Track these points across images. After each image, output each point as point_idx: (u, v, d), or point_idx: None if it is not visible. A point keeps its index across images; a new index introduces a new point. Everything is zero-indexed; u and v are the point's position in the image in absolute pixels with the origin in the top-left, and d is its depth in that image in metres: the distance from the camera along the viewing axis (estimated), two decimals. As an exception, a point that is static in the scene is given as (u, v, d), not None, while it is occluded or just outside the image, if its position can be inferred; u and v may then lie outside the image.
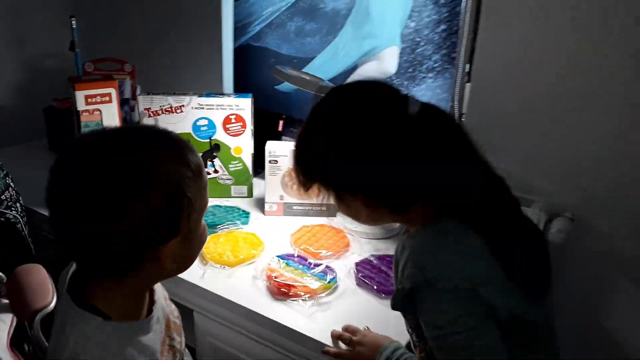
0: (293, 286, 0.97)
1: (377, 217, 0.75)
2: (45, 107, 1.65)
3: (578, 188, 1.21)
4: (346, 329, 0.89)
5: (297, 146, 0.75)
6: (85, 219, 0.58)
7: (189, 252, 0.68)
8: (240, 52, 1.79)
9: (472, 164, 0.72)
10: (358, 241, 1.19)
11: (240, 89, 1.82)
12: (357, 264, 1.09)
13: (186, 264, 0.70)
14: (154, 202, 0.58)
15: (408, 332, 0.81)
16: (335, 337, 0.89)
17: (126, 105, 1.74)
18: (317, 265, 1.06)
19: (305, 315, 0.93)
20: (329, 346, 0.88)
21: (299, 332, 0.90)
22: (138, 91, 1.82)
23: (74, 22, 1.67)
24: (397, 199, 0.71)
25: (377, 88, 0.75)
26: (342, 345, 0.88)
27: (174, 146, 0.64)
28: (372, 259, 1.11)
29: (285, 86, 1.74)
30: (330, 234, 1.20)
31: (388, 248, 1.16)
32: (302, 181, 0.75)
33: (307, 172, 0.74)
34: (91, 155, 0.59)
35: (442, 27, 1.42)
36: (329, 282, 1.01)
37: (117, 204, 0.57)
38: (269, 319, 0.93)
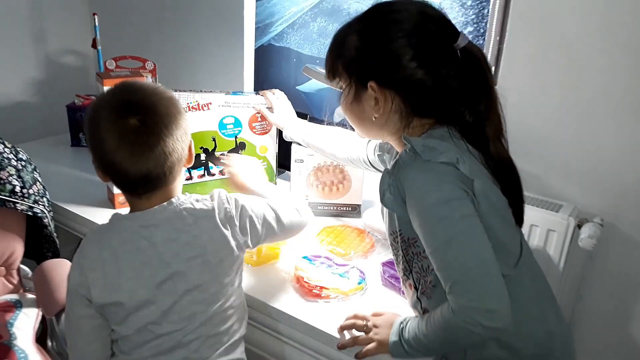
0: (324, 287, 0.97)
1: (381, 122, 0.81)
2: (68, 103, 1.65)
3: (607, 193, 1.20)
4: (355, 316, 0.89)
5: (340, 35, 0.81)
6: None
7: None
8: (262, 52, 1.79)
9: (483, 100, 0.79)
10: (382, 242, 1.18)
11: (261, 89, 1.82)
12: (383, 264, 1.08)
13: None
14: None
15: (398, 272, 0.88)
16: (348, 327, 0.88)
17: (147, 102, 1.73)
18: (343, 265, 1.06)
19: (337, 317, 0.92)
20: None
21: (333, 336, 0.89)
22: (159, 89, 1.82)
23: (96, 19, 1.68)
24: (419, 100, 0.78)
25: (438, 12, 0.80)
26: (356, 333, 0.88)
27: None
28: (399, 260, 1.10)
29: (307, 87, 1.73)
30: (354, 235, 1.19)
31: (415, 250, 1.15)
32: (331, 68, 0.83)
33: (340, 58, 0.81)
34: None
35: (469, 29, 1.42)
36: (359, 283, 1.00)
37: None
38: (302, 321, 0.92)
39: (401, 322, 0.83)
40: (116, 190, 1.26)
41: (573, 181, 1.25)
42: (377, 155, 1.06)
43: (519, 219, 0.83)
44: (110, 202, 1.27)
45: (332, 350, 0.90)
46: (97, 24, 1.70)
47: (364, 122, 0.83)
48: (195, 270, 0.84)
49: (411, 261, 0.82)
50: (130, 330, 0.84)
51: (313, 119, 1.54)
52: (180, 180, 0.87)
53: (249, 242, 0.89)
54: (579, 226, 1.22)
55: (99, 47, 1.73)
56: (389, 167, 0.97)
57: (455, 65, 0.76)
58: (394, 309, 0.96)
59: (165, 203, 0.84)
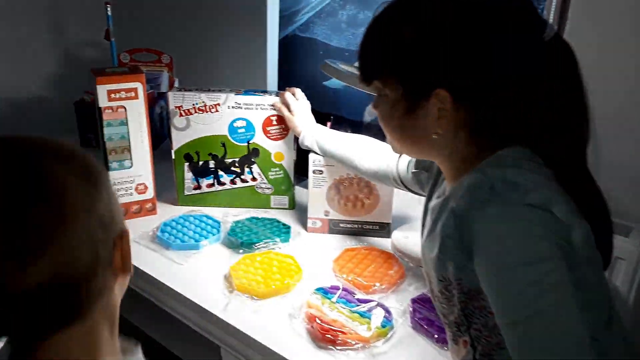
0: (341, 332, 0.80)
1: (440, 141, 0.63)
2: (76, 100, 1.54)
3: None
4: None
5: (388, 25, 0.61)
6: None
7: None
8: (286, 44, 1.63)
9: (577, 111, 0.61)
10: (413, 270, 1.00)
11: (284, 84, 1.67)
12: (413, 301, 0.90)
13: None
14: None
15: (445, 323, 0.69)
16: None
17: (162, 99, 1.61)
18: (365, 301, 0.89)
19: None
20: None
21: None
22: (176, 84, 1.69)
23: (109, 9, 1.56)
24: (503, 115, 0.60)
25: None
26: None
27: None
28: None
29: (335, 82, 1.56)
30: (380, 261, 1.01)
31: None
32: (371, 70, 0.64)
33: (388, 57, 0.61)
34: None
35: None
36: (383, 326, 0.83)
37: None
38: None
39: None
40: (127, 198, 1.12)
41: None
42: (413, 172, 0.88)
43: (605, 263, 0.64)
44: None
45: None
46: (109, 14, 1.58)
47: (415, 139, 0.65)
48: None
49: (471, 316, 0.63)
50: None
51: (341, 119, 1.37)
52: (113, 301, 0.52)
53: None
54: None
55: (113, 39, 1.61)
56: (425, 189, 0.80)
57: (545, 65, 0.58)
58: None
59: None
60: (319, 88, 1.61)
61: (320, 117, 1.29)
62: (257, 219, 1.15)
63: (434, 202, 0.71)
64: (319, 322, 0.82)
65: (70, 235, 0.44)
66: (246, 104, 1.14)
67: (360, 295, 0.91)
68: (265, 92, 1.17)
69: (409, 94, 0.61)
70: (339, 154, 1.03)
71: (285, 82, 1.67)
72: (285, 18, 1.61)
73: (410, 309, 0.88)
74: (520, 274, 0.52)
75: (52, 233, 0.43)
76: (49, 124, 1.74)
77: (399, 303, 0.91)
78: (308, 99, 1.17)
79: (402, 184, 0.93)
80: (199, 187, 1.20)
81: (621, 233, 1.04)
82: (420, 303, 0.90)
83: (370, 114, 1.54)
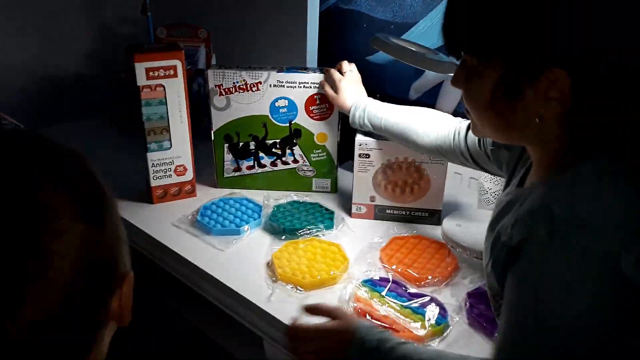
0: (393, 329, 0.75)
1: (540, 128, 0.54)
2: (111, 79, 1.51)
3: None
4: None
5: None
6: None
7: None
8: (327, 16, 1.55)
9: None
10: (468, 261, 0.94)
11: (325, 59, 1.60)
12: (469, 295, 0.84)
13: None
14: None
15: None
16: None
17: (200, 77, 1.56)
18: (418, 296, 0.83)
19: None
20: None
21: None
22: (213, 60, 1.64)
23: (145, -18, 1.51)
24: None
25: None
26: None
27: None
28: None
29: (380, 57, 1.48)
30: (431, 251, 0.95)
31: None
32: (465, 42, 0.55)
33: (489, 27, 0.52)
34: None
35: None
36: (438, 323, 0.77)
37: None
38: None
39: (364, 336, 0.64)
40: (154, 182, 1.09)
41: None
42: (491, 150, 0.79)
43: None
44: (148, 197, 1.11)
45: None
46: (146, -13, 1.53)
47: (510, 125, 0.56)
48: None
49: None
50: None
51: (385, 98, 1.30)
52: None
53: None
54: None
55: (149, 14, 1.57)
56: (504, 169, 0.72)
57: None
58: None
59: None
60: (362, 63, 1.51)
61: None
62: (298, 203, 1.10)
63: (508, 193, 0.64)
64: (369, 318, 0.77)
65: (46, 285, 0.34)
66: (289, 82, 1.07)
67: (411, 288, 0.86)
68: (308, 69, 1.10)
69: (514, 73, 0.52)
70: (395, 129, 0.94)
71: (326, 57, 1.60)
72: (327, -11, 1.52)
73: (467, 304, 0.82)
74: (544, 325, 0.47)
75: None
76: (86, 102, 1.73)
77: (454, 298, 0.85)
78: None
79: (472, 160, 0.85)
80: (238, 169, 1.16)
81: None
82: (477, 298, 0.83)
83: (416, 91, 1.46)
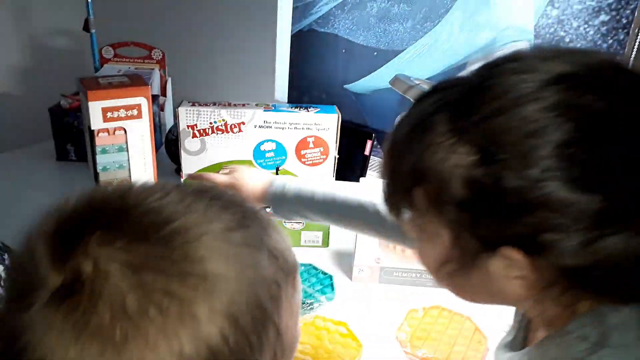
0: None
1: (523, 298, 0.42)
2: (51, 105, 1.27)
3: None
4: None
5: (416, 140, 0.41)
6: None
7: None
8: (301, 39, 1.40)
9: None
10: (498, 336, 0.81)
11: (297, 86, 1.45)
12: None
13: None
14: None
15: None
16: None
17: (154, 104, 1.36)
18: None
19: None
20: None
21: None
22: (169, 84, 1.44)
23: (89, -6, 1.30)
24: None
25: None
26: None
27: None
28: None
29: (360, 85, 1.36)
30: (455, 325, 0.81)
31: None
32: (399, 199, 0.45)
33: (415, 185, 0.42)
34: None
35: (603, 17, 1.01)
36: None
37: None
38: None
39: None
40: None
41: None
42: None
43: None
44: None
45: None
46: (90, 1, 1.32)
47: (484, 293, 0.44)
48: None
49: None
50: None
51: (375, 131, 1.16)
52: None
53: None
54: None
55: (93, 31, 1.36)
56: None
57: None
58: None
59: None
60: (338, 92, 1.39)
61: (358, 135, 1.08)
62: (288, 263, 0.93)
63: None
64: None
65: None
66: (277, 123, 0.91)
67: (441, 380, 0.71)
68: (301, 106, 0.94)
69: (468, 244, 0.41)
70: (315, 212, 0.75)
71: (298, 83, 1.45)
72: (301, 8, 1.37)
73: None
74: None
75: None
76: (22, 129, 1.47)
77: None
78: (327, 104, 0.94)
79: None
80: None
81: None
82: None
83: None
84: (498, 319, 0.83)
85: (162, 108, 1.41)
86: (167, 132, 1.27)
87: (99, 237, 0.28)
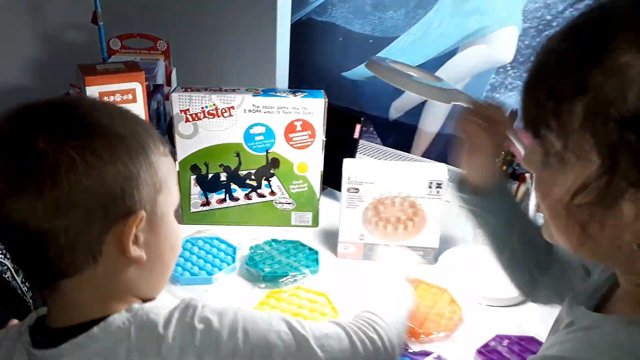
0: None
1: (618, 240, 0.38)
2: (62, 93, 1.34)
3: None
4: None
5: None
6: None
7: (157, 248, 0.50)
8: (299, 28, 1.45)
9: None
10: (472, 309, 0.84)
11: (297, 75, 1.49)
12: (480, 353, 0.74)
13: (155, 267, 0.50)
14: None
15: None
16: None
17: (159, 92, 1.42)
18: (421, 355, 0.73)
19: None
20: None
21: None
22: (173, 74, 1.50)
23: (97, -12, 1.36)
24: None
25: None
26: None
27: None
28: (498, 345, 0.76)
29: (357, 73, 1.39)
30: (433, 297, 0.85)
31: (520, 326, 0.80)
32: (546, 118, 0.39)
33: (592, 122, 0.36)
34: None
35: (587, 0, 1.03)
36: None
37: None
38: None
39: None
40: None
41: None
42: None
43: None
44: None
45: None
46: (97, -6, 1.38)
47: (591, 238, 0.40)
48: None
49: None
50: None
51: (364, 115, 1.19)
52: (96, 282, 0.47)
53: None
54: None
55: (101, 23, 1.42)
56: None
57: None
58: None
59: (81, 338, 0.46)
60: (336, 80, 1.43)
61: (348, 118, 1.12)
62: (277, 242, 0.98)
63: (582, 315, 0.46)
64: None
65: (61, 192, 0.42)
66: (265, 107, 0.95)
67: (414, 346, 0.75)
68: (287, 91, 0.98)
69: (619, 178, 0.36)
70: None
71: (298, 71, 1.49)
72: (299, -1, 1.42)
73: (478, 363, 0.72)
74: None
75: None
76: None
77: (460, 354, 0.75)
78: (325, 91, 0.99)
79: None
80: (207, 203, 1.03)
81: None
82: (487, 355, 0.74)
83: (397, 110, 1.37)
84: (474, 292, 0.87)
85: (167, 97, 1.47)
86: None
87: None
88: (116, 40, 1.47)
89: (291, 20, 1.46)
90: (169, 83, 1.50)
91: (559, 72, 0.38)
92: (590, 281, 0.52)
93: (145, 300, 0.50)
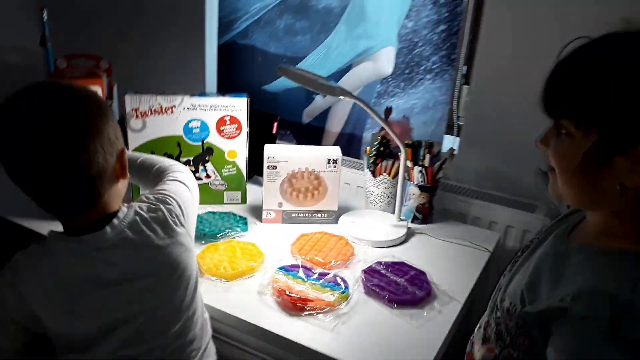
0: (309, 300, 0.91)
1: (620, 199, 0.59)
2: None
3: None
4: None
5: (591, 66, 0.57)
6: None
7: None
8: (225, 50, 1.72)
9: None
10: (362, 249, 1.14)
11: (224, 89, 1.75)
12: (364, 272, 1.04)
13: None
14: None
15: (486, 322, 0.73)
16: None
17: (103, 104, 1.62)
18: (323, 275, 1.01)
19: (328, 330, 0.87)
20: None
21: (322, 354, 0.84)
22: (115, 90, 1.71)
23: (45, 13, 1.55)
24: None
25: None
26: None
27: None
28: (379, 267, 1.06)
29: (274, 86, 1.68)
30: (332, 242, 1.14)
31: (393, 255, 1.11)
32: (563, 106, 0.60)
33: (588, 101, 0.57)
34: None
35: (442, 27, 1.40)
36: (342, 292, 0.95)
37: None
38: (290, 340, 0.86)
39: None
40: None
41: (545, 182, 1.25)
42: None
43: None
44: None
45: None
46: (45, 18, 1.57)
47: (588, 187, 0.61)
48: (163, 280, 0.79)
49: (514, 345, 0.68)
50: (99, 356, 0.77)
51: (281, 122, 1.48)
52: (116, 191, 0.79)
53: (192, 233, 0.88)
54: (555, 226, 1.22)
55: (49, 44, 1.60)
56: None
57: None
58: (381, 320, 0.92)
59: (115, 221, 0.77)
60: (257, 91, 1.71)
61: (264, 118, 1.40)
62: (214, 213, 1.23)
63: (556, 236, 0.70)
64: (288, 293, 0.93)
65: (90, 146, 0.70)
66: (201, 105, 1.22)
67: (318, 270, 1.03)
68: (219, 94, 1.25)
69: (606, 144, 0.56)
70: None
71: (224, 86, 1.75)
72: (225, 25, 1.69)
73: (363, 278, 1.01)
74: None
75: (81, 141, 0.70)
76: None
77: (352, 275, 1.04)
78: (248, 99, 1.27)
79: None
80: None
81: (528, 210, 1.25)
82: (369, 273, 1.03)
83: (308, 116, 1.67)
84: (363, 238, 1.17)
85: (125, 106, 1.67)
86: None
87: None
88: (62, 60, 1.66)
89: (218, 43, 1.73)
90: (110, 97, 1.70)
91: (576, 82, 0.58)
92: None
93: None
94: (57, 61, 1.64)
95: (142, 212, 0.80)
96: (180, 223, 0.84)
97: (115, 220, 0.77)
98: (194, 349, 0.85)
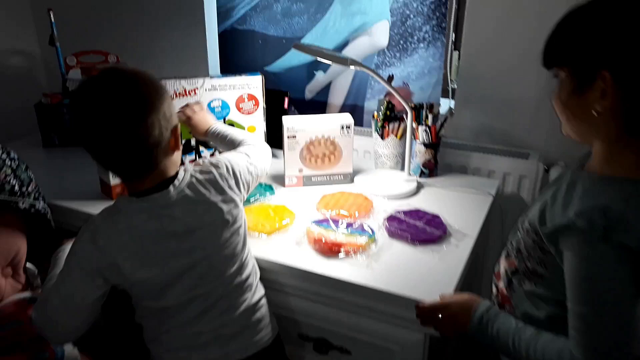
0: (343, 244, 1.04)
1: (598, 122, 0.73)
2: (35, 103, 1.60)
3: (567, 140, 1.34)
4: (430, 309, 0.90)
5: (573, 18, 0.73)
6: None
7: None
8: (226, 37, 1.81)
9: None
10: (380, 200, 1.27)
11: (227, 73, 1.84)
12: (386, 219, 1.17)
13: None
14: None
15: (512, 246, 0.88)
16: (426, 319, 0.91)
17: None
18: (350, 224, 1.13)
19: (363, 267, 1.00)
20: (415, 299, 0.92)
21: (363, 286, 0.97)
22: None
23: (52, 15, 1.63)
24: None
25: None
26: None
27: None
28: (398, 214, 1.19)
29: (276, 66, 1.78)
30: (352, 198, 1.27)
31: (409, 204, 1.24)
32: (552, 55, 0.76)
33: (568, 43, 0.73)
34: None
35: (429, -4, 1.51)
36: (370, 236, 1.08)
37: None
38: (332, 277, 0.99)
39: (487, 309, 0.85)
40: (113, 182, 1.26)
41: (537, 132, 1.39)
42: None
43: None
44: (109, 194, 1.27)
45: (366, 300, 0.98)
46: (53, 20, 1.65)
47: (577, 118, 0.76)
48: (219, 230, 0.93)
49: (529, 258, 0.83)
50: (172, 300, 0.90)
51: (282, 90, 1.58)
52: (172, 160, 0.92)
53: (244, 194, 1.02)
54: (547, 170, 1.37)
55: (57, 44, 1.69)
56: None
57: None
58: (407, 256, 1.05)
59: (176, 182, 0.91)
60: (261, 72, 1.80)
61: (276, 95, 1.51)
62: (240, 183, 1.35)
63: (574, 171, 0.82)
64: (324, 240, 1.06)
65: (149, 120, 0.83)
66: (221, 85, 1.32)
67: (345, 221, 1.16)
68: (236, 74, 1.36)
69: (578, 75, 0.72)
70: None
71: (228, 71, 1.84)
72: (223, 13, 1.78)
73: (386, 224, 1.14)
74: (590, 287, 0.70)
75: (142, 116, 0.83)
76: (6, 126, 1.77)
77: (376, 222, 1.17)
78: None
79: None
80: (182, 163, 1.37)
81: (523, 157, 1.39)
82: (391, 221, 1.16)
83: (310, 92, 1.78)
84: (379, 192, 1.30)
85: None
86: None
87: None
88: (72, 57, 1.74)
89: (219, 30, 1.82)
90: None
91: (561, 33, 0.75)
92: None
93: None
94: (67, 59, 1.73)
95: (196, 174, 0.94)
96: (229, 185, 0.96)
97: (176, 182, 0.90)
98: (249, 285, 0.98)
